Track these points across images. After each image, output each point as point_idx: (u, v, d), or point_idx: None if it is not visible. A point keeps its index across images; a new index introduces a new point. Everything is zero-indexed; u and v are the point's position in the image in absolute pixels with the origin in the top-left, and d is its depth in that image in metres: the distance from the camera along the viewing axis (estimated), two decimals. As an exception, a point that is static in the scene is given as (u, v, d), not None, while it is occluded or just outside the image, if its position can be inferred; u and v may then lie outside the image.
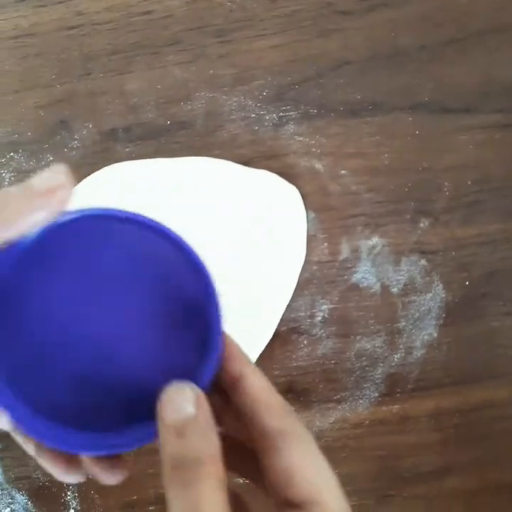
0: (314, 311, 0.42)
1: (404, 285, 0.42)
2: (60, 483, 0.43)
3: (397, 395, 0.41)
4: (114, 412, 0.21)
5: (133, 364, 0.22)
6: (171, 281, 0.23)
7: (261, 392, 0.21)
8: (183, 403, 0.19)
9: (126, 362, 0.22)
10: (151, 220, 0.24)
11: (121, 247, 0.24)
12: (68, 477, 0.23)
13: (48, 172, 0.21)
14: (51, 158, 0.45)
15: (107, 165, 0.44)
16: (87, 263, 0.23)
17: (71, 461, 0.23)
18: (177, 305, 0.23)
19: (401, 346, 0.42)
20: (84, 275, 0.23)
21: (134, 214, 0.24)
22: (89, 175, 0.44)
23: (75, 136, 0.45)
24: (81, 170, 0.44)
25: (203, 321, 0.23)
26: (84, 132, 0.45)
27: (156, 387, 0.20)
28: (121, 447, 0.20)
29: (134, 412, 0.21)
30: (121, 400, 0.21)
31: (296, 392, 0.43)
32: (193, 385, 0.20)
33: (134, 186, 0.44)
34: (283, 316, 0.42)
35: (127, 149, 0.45)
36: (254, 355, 0.42)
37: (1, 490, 0.43)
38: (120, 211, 0.24)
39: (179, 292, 0.23)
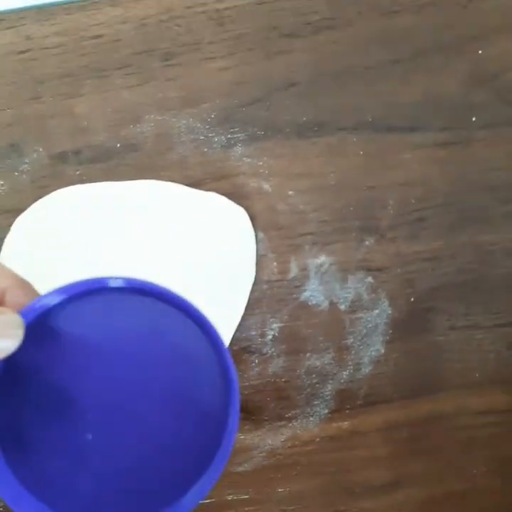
0: (265, 329, 0.43)
1: (352, 302, 0.43)
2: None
3: (347, 411, 0.42)
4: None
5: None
6: (188, 360, 0.22)
7: None
8: None
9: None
10: (167, 292, 0.22)
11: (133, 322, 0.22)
12: None
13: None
14: (1, 182, 0.45)
15: (57, 188, 0.44)
16: (100, 341, 0.22)
17: None
18: (193, 389, 0.22)
19: (349, 363, 0.42)
20: (98, 354, 0.22)
21: (145, 284, 0.21)
22: (39, 198, 0.44)
23: (26, 160, 0.45)
24: (31, 193, 0.45)
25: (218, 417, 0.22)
26: (35, 155, 0.45)
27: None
28: None
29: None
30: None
31: (247, 411, 0.43)
32: None
33: (83, 210, 0.44)
34: (234, 335, 0.43)
35: (78, 172, 0.45)
36: (205, 375, 0.42)
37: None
38: (133, 281, 0.21)
39: (196, 375, 0.22)
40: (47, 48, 0.47)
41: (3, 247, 0.44)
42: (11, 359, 0.20)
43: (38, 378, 0.21)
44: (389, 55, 0.45)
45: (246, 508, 0.43)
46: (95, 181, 0.45)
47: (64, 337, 0.21)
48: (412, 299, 0.43)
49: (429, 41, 0.45)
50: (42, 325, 0.20)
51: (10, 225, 0.44)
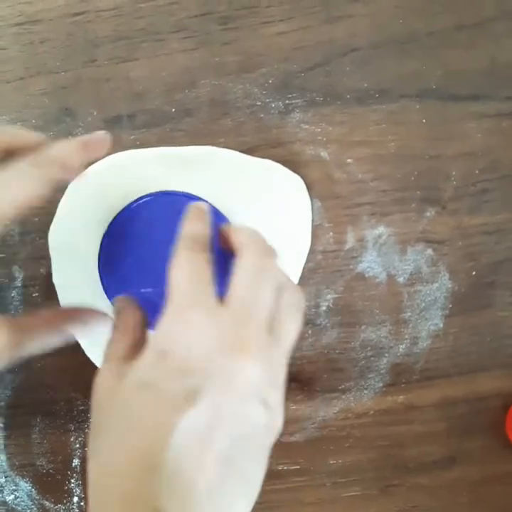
0: (319, 300, 0.42)
1: (410, 275, 0.42)
2: (64, 471, 0.43)
3: (402, 385, 0.41)
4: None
5: None
6: None
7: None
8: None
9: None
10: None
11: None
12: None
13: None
14: (55, 146, 0.45)
15: (111, 152, 0.44)
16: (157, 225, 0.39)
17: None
18: None
19: (406, 336, 0.42)
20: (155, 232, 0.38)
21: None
22: (93, 162, 0.44)
23: (80, 123, 0.45)
24: (86, 158, 0.44)
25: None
26: (89, 119, 0.45)
27: None
28: None
29: None
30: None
31: (300, 382, 0.43)
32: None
33: (137, 174, 0.43)
34: (288, 305, 0.42)
35: (132, 137, 0.45)
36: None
37: (5, 477, 0.43)
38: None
39: None
40: (102, 11, 0.46)
41: (58, 210, 0.44)
42: (125, 224, 0.39)
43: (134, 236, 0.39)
44: (453, 22, 0.44)
45: (296, 479, 0.43)
46: (149, 146, 0.44)
47: (141, 220, 0.39)
48: (474, 273, 0.41)
49: (496, 8, 0.44)
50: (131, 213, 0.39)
51: (64, 188, 0.44)
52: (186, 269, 0.28)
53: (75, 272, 0.44)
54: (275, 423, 0.27)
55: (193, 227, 0.31)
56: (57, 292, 0.43)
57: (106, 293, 0.40)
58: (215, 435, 0.24)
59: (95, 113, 0.45)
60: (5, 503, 0.43)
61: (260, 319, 0.27)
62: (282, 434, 0.43)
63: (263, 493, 0.44)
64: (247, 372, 0.25)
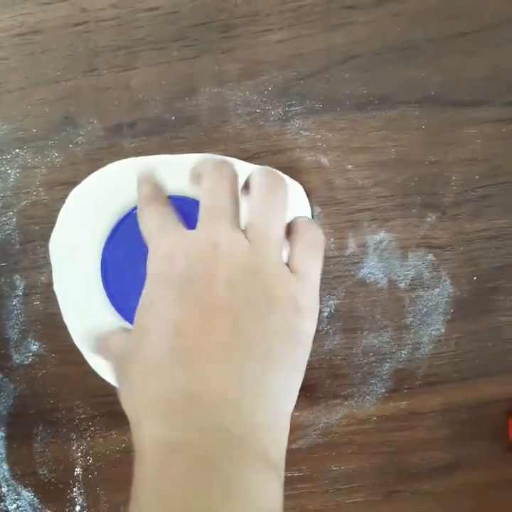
0: (320, 306, 0.42)
1: (412, 280, 0.42)
2: (66, 480, 0.43)
3: (405, 391, 0.41)
4: None
5: None
6: None
7: None
8: None
9: None
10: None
11: None
12: None
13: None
14: (56, 155, 0.45)
15: (112, 160, 0.44)
16: None
17: None
18: None
19: (408, 342, 0.41)
20: None
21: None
22: (94, 171, 0.44)
23: (80, 132, 0.45)
24: (86, 166, 0.45)
25: None
26: (90, 128, 0.45)
27: None
28: None
29: None
30: None
31: (302, 388, 0.42)
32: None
33: (139, 182, 0.43)
34: (289, 311, 0.42)
35: (132, 145, 0.45)
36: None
37: (7, 486, 0.43)
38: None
39: None
40: (102, 20, 0.46)
41: (58, 219, 0.45)
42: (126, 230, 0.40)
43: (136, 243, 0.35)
44: (453, 29, 0.44)
45: (299, 485, 0.43)
46: (150, 154, 0.44)
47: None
48: (475, 278, 0.41)
49: (496, 15, 0.44)
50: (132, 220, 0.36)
51: (65, 197, 0.44)
52: (151, 218, 0.33)
53: (75, 279, 0.44)
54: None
55: (142, 189, 0.35)
56: (59, 300, 0.43)
57: (110, 300, 0.40)
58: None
59: (96, 122, 0.45)
60: (7, 512, 0.43)
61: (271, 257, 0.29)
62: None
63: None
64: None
